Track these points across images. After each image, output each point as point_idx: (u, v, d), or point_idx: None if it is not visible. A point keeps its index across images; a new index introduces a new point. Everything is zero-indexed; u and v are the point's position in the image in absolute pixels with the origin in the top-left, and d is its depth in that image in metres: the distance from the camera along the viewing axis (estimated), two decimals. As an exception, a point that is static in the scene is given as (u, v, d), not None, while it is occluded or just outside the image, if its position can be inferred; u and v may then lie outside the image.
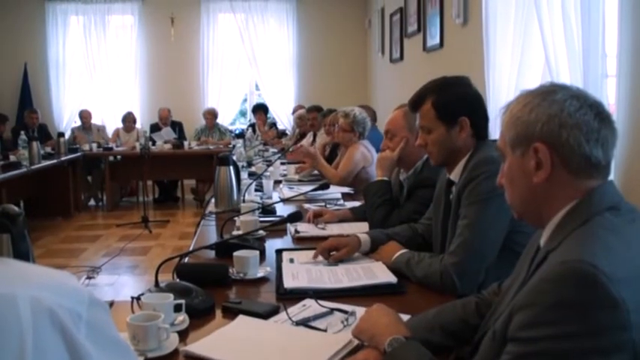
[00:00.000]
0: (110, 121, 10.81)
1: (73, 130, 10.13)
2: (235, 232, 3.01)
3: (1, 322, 0.81)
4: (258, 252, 2.46)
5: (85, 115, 10.18)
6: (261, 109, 10.53)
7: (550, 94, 1.38)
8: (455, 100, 2.36)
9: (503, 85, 4.01)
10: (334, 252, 2.56)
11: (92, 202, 10.11)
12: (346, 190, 4.50)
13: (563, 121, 1.34)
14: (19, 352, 0.81)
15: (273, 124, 10.49)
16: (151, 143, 9.15)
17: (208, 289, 2.11)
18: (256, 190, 4.37)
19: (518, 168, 1.42)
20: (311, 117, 7.41)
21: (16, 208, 1.85)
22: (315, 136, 7.34)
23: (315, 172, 5.30)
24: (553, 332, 1.17)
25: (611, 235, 1.27)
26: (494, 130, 3.90)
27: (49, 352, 0.83)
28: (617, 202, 1.36)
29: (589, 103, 1.36)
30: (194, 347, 1.70)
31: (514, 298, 1.40)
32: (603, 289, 1.16)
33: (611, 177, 3.07)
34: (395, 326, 1.59)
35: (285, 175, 5.35)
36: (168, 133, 9.91)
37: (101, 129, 10.38)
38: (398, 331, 1.55)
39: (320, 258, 2.56)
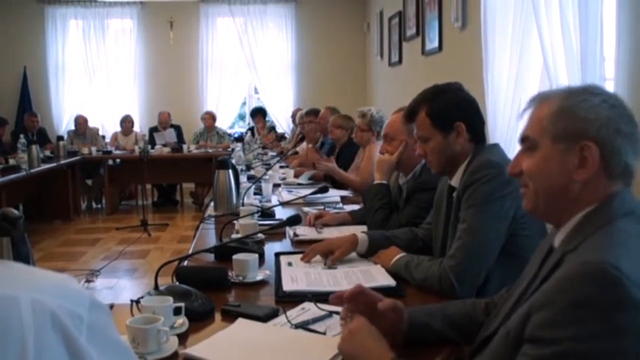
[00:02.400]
0: (109, 125, 10.82)
1: (68, 133, 10.12)
2: (234, 236, 3.01)
3: (3, 324, 0.81)
4: (257, 255, 2.47)
5: (80, 122, 10.18)
6: (260, 113, 10.54)
7: (608, 98, 1.38)
8: (448, 107, 2.37)
9: (502, 88, 4.02)
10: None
11: (92, 205, 10.12)
12: (345, 193, 4.51)
13: (621, 128, 1.34)
14: (21, 353, 0.81)
15: (272, 128, 10.50)
16: (150, 147, 9.13)
17: (207, 292, 2.11)
18: (255, 194, 4.38)
19: (557, 161, 1.39)
20: (308, 120, 7.41)
21: (16, 212, 1.85)
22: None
23: (312, 173, 5.31)
24: (573, 332, 1.17)
25: (632, 239, 1.28)
26: (492, 133, 3.92)
27: (50, 354, 0.83)
28: (635, 208, 1.36)
29: (631, 114, 1.38)
30: (193, 350, 1.71)
31: (524, 297, 1.40)
32: (626, 291, 1.15)
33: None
34: (379, 351, 1.56)
35: (284, 179, 5.35)
36: (170, 134, 9.91)
37: (95, 135, 10.34)
38: (384, 355, 1.54)
39: (318, 259, 2.57)
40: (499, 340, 1.41)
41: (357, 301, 1.74)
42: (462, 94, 2.42)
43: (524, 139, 1.47)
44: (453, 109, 2.37)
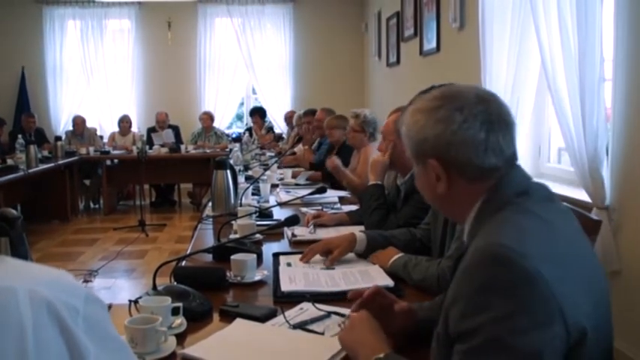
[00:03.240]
0: (107, 125, 10.82)
1: (66, 134, 10.12)
2: (232, 236, 3.01)
3: (1, 314, 0.82)
4: (255, 255, 2.46)
5: (77, 122, 10.17)
6: (258, 113, 10.53)
7: (434, 110, 1.42)
8: None
9: (500, 89, 4.02)
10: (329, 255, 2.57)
11: (90, 205, 10.12)
12: (343, 193, 4.51)
13: (449, 140, 1.38)
14: (20, 342, 0.82)
15: (270, 129, 10.49)
16: (148, 147, 9.12)
17: (206, 292, 2.11)
18: (253, 194, 4.38)
19: (423, 178, 1.49)
20: (306, 121, 7.42)
21: (14, 212, 1.85)
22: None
23: (309, 174, 5.32)
24: (486, 318, 1.19)
25: (525, 217, 1.32)
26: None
27: (47, 343, 0.84)
28: (526, 185, 1.40)
29: (474, 112, 1.39)
30: (192, 350, 1.71)
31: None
32: (517, 266, 1.19)
33: (607, 179, 3.09)
34: (375, 345, 1.57)
35: (282, 179, 5.35)
36: (168, 135, 9.91)
37: (93, 135, 10.34)
38: (379, 349, 1.54)
39: (317, 259, 2.57)
40: (433, 345, 1.43)
41: (373, 301, 1.76)
42: None
43: None
44: None
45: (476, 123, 1.37)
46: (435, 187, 1.44)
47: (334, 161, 4.89)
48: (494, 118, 1.39)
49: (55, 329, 0.85)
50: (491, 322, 1.18)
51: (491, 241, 1.25)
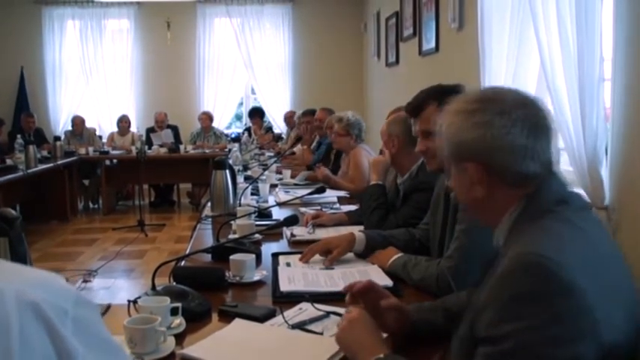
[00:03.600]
0: (106, 125, 10.82)
1: (65, 134, 10.12)
2: (231, 236, 3.01)
3: None
4: (254, 255, 2.47)
5: (77, 122, 10.17)
6: (257, 114, 10.53)
7: (472, 114, 1.39)
8: None
9: (499, 89, 4.02)
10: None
11: (89, 206, 10.12)
12: (342, 193, 4.51)
13: (489, 145, 1.36)
14: (6, 341, 0.81)
15: (269, 129, 10.49)
16: (147, 147, 9.12)
17: (205, 292, 2.11)
18: (252, 194, 4.38)
19: (460, 181, 1.46)
20: (305, 120, 7.42)
21: (13, 212, 1.85)
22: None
23: (307, 174, 5.32)
24: (518, 326, 1.18)
25: (564, 226, 1.30)
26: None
27: (33, 343, 0.83)
28: (565, 194, 1.38)
29: (514, 116, 1.36)
30: (190, 350, 1.71)
31: (473, 302, 1.42)
32: (555, 277, 1.18)
33: (606, 179, 3.08)
34: (374, 345, 1.57)
35: (281, 179, 5.35)
36: (167, 135, 9.91)
37: (92, 135, 10.33)
38: (379, 349, 1.54)
39: (317, 259, 2.57)
40: (455, 347, 1.43)
41: (366, 296, 1.75)
42: None
43: None
44: None
45: (516, 128, 1.35)
46: (471, 191, 1.42)
47: (323, 172, 4.91)
48: (534, 122, 1.37)
49: (41, 330, 0.84)
50: (524, 330, 1.18)
51: (530, 250, 1.23)
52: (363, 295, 1.74)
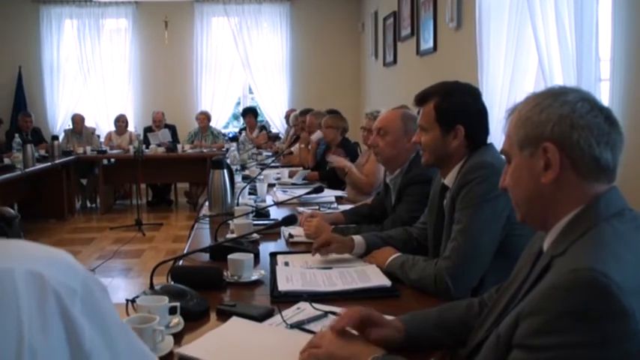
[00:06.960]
0: (104, 125, 10.81)
1: (65, 133, 10.12)
2: (229, 236, 3.01)
3: (0, 294, 0.84)
4: (252, 255, 2.46)
5: (76, 120, 10.16)
6: (250, 113, 10.47)
7: (561, 95, 1.38)
8: (456, 108, 2.37)
9: (497, 89, 4.03)
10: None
11: (87, 205, 10.11)
12: (340, 193, 4.51)
13: (575, 122, 1.33)
14: (17, 322, 0.83)
15: (263, 127, 10.45)
16: (144, 146, 9.11)
17: (203, 292, 2.11)
18: (250, 194, 4.38)
19: (526, 168, 1.42)
20: (302, 120, 7.42)
21: (12, 211, 1.85)
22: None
23: (306, 173, 5.32)
24: (563, 341, 1.17)
25: (619, 242, 1.27)
26: (493, 137, 3.93)
27: (44, 323, 0.84)
28: (622, 208, 1.35)
29: (599, 106, 1.36)
30: (188, 349, 1.71)
31: (515, 301, 1.40)
32: (615, 300, 1.15)
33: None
34: (368, 347, 1.57)
35: (278, 179, 5.35)
36: (164, 134, 9.91)
37: (90, 134, 10.32)
38: (372, 350, 1.55)
39: (316, 259, 2.57)
40: (490, 345, 1.41)
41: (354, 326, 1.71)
42: (476, 102, 2.41)
43: (503, 155, 1.52)
44: (460, 111, 2.36)
45: (601, 115, 1.34)
46: (540, 177, 1.38)
47: (339, 157, 4.94)
48: (614, 120, 1.37)
49: (52, 310, 0.85)
50: (568, 346, 1.16)
51: (593, 267, 1.19)
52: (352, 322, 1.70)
